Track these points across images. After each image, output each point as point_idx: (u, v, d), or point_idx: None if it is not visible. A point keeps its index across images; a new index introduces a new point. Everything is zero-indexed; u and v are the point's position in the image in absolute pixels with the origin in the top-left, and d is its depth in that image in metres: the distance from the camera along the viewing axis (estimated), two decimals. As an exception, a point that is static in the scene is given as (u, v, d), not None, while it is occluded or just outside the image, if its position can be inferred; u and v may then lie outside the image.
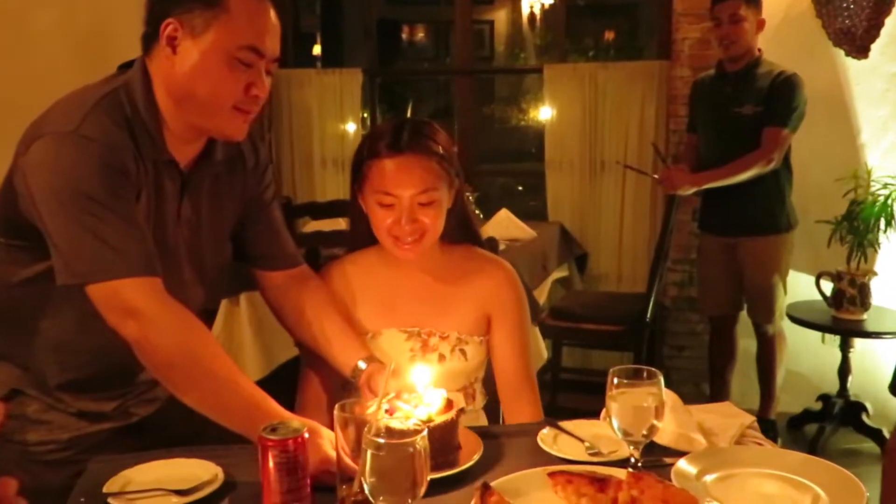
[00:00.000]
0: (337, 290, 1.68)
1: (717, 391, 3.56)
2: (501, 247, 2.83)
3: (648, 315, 3.42)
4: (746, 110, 3.27)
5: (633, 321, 3.43)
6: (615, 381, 1.22)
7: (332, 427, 1.23)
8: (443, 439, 1.28)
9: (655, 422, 1.21)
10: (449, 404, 1.34)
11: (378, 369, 1.49)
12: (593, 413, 1.47)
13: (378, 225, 1.59)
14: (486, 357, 1.70)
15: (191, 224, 1.45)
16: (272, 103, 4.46)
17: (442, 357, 1.64)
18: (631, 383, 1.22)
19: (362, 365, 1.51)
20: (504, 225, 3.60)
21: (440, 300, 1.67)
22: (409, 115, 5.64)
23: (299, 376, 1.71)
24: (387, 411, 1.28)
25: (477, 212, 4.01)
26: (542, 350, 3.18)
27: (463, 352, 1.65)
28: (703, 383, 3.82)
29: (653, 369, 1.23)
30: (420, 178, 1.55)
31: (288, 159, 4.52)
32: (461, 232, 1.71)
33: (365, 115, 4.67)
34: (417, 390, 1.34)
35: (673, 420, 1.36)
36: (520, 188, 6.15)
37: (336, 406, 1.18)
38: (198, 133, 1.40)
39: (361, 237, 1.69)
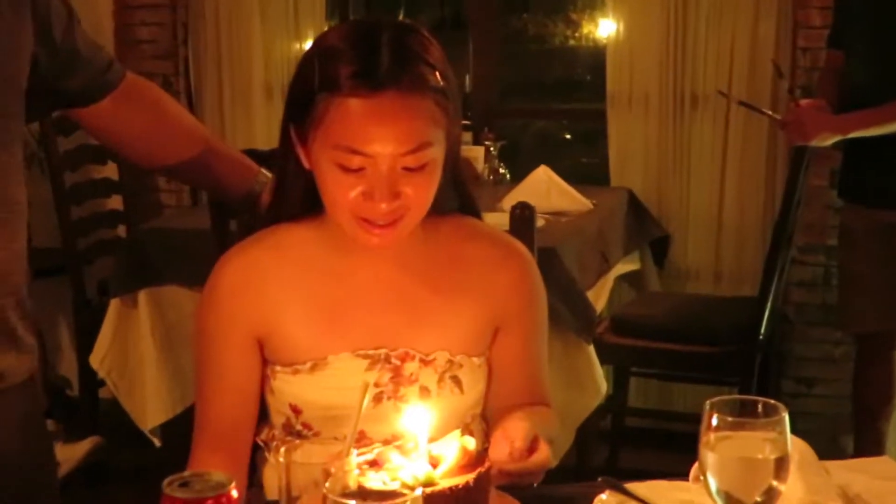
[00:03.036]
0: (245, 295, 1.63)
1: (865, 445, 3.56)
2: (539, 223, 2.81)
3: (762, 331, 3.44)
4: (928, 17, 3.27)
5: (739, 340, 3.44)
6: (715, 419, 1.23)
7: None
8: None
9: (775, 483, 1.22)
10: (478, 460, 1.34)
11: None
12: (675, 476, 1.49)
13: (335, 198, 1.54)
14: (486, 384, 1.70)
15: None
16: (189, 5, 4.45)
17: (425, 391, 1.63)
18: (738, 422, 1.23)
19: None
20: (543, 190, 3.59)
21: (420, 305, 1.66)
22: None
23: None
24: (371, 463, 1.27)
25: (502, 170, 4.02)
26: (598, 381, 3.18)
27: (456, 380, 1.65)
28: (845, 434, 3.84)
29: (773, 402, 1.25)
30: (409, 130, 1.50)
31: (214, 88, 4.54)
32: (453, 196, 1.69)
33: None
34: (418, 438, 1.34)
35: (801, 481, 1.37)
36: (567, 136, 6.16)
37: (280, 448, 1.18)
38: None
39: (292, 205, 1.66)
